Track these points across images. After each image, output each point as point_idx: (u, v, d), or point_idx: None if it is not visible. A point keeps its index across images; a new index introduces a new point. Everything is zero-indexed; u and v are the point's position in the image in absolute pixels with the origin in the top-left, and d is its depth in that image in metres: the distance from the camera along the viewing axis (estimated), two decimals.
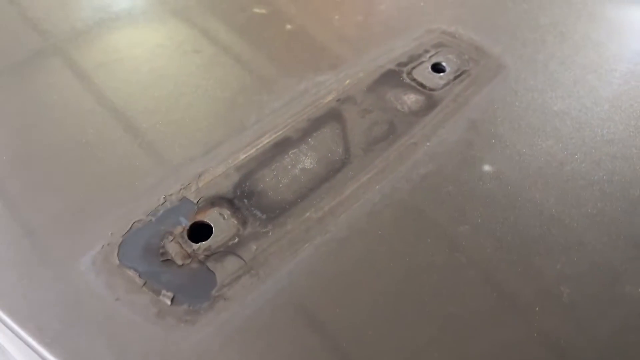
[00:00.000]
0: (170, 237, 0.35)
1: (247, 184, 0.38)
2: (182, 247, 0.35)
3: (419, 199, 0.37)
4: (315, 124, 0.42)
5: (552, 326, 0.31)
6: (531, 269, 0.33)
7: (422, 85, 0.45)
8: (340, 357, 0.31)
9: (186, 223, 0.36)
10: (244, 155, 0.40)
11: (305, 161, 0.40)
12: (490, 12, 0.54)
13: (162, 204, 0.37)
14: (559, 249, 0.35)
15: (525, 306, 0.32)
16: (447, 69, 0.46)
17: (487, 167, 0.39)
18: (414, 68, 0.46)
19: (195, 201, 0.37)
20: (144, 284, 0.33)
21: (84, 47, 0.50)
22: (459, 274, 0.34)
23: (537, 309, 0.32)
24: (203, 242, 0.35)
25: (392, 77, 0.46)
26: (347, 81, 0.45)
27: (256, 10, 0.53)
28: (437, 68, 0.47)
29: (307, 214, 0.37)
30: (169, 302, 0.33)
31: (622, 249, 0.35)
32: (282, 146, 0.41)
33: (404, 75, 0.46)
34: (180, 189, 0.38)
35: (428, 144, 0.41)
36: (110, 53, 0.48)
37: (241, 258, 0.35)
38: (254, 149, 0.40)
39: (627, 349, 0.31)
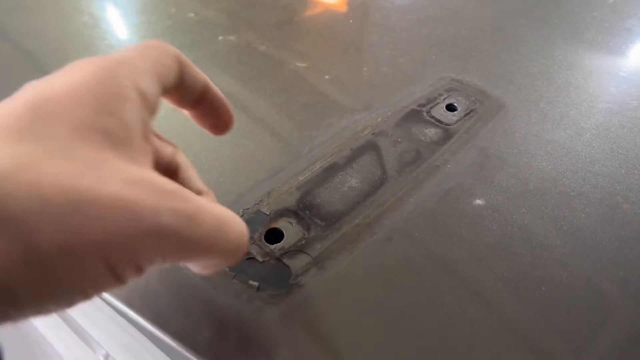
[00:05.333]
0: (251, 241, 0.44)
1: (307, 199, 0.47)
2: (261, 248, 0.43)
3: (444, 208, 0.46)
4: (356, 152, 0.51)
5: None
6: (534, 258, 0.42)
7: (439, 121, 0.54)
8: (387, 322, 0.39)
9: (262, 229, 0.45)
10: (302, 178, 0.49)
11: (351, 181, 0.48)
12: (489, 63, 0.64)
13: (242, 215, 0.45)
14: (553, 243, 0.43)
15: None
16: (458, 108, 0.56)
17: (496, 183, 0.48)
18: (431, 108, 0.56)
19: (267, 213, 0.46)
20: (234, 276, 0.41)
21: None
22: (479, 263, 0.42)
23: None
24: (277, 244, 0.43)
25: (414, 115, 0.55)
26: (379, 119, 0.55)
27: (298, 64, 0.64)
28: (450, 107, 0.56)
29: (357, 220, 0.45)
30: (255, 290, 0.41)
31: (602, 246, 0.44)
32: (331, 170, 0.49)
33: (424, 113, 0.55)
34: (255, 204, 0.46)
35: (448, 166, 0.50)
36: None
37: (309, 255, 0.43)
38: (310, 173, 0.49)
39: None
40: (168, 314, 0.39)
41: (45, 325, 0.67)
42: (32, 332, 0.71)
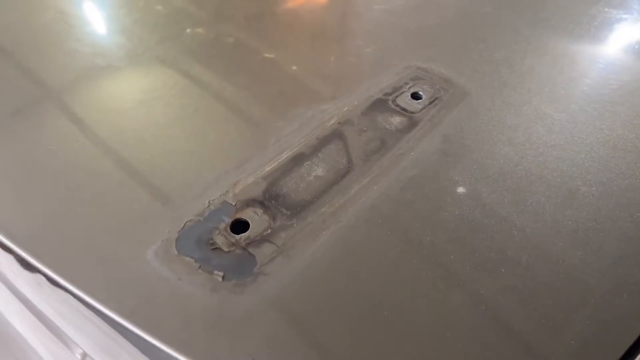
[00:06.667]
0: (217, 231, 0.44)
1: (273, 189, 0.47)
2: (227, 238, 0.43)
3: (408, 195, 0.46)
4: (322, 142, 0.51)
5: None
6: (495, 242, 0.43)
7: (404, 109, 0.55)
8: (352, 307, 0.39)
9: (228, 220, 0.45)
10: (269, 168, 0.49)
11: (317, 170, 0.49)
12: (455, 51, 0.65)
13: (208, 207, 0.46)
14: (513, 226, 0.44)
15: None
16: (423, 97, 0.57)
17: (458, 170, 0.49)
18: (397, 96, 0.56)
19: (233, 203, 0.46)
20: (199, 267, 0.41)
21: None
22: (441, 247, 0.43)
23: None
24: (243, 234, 0.43)
25: (380, 104, 0.56)
26: (345, 108, 0.55)
27: (266, 55, 0.64)
28: (415, 96, 0.57)
29: (323, 209, 0.45)
30: (220, 279, 0.41)
31: (561, 228, 0.44)
32: (298, 160, 0.50)
33: (390, 102, 0.56)
34: (221, 195, 0.46)
35: (412, 154, 0.50)
36: (149, 92, 0.58)
37: (274, 244, 0.43)
38: (276, 163, 0.49)
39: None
40: (133, 305, 0.39)
41: (24, 327, 0.66)
42: (12, 333, 0.71)
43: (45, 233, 0.44)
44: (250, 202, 0.46)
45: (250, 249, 0.42)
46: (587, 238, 0.43)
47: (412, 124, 0.53)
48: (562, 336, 0.37)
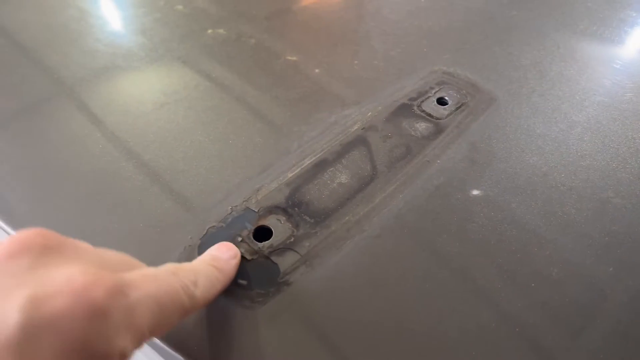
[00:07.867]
0: (239, 239, 0.43)
1: (296, 196, 0.47)
2: (249, 246, 0.43)
3: (434, 204, 0.46)
4: (346, 148, 0.51)
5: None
6: (524, 254, 0.42)
7: (430, 115, 0.54)
8: (376, 320, 0.38)
9: (251, 227, 0.44)
10: (291, 174, 0.48)
11: (340, 177, 0.48)
12: (481, 55, 0.64)
13: (230, 213, 0.45)
14: (543, 239, 0.43)
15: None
16: (449, 102, 0.56)
17: (486, 178, 0.48)
18: (422, 102, 0.56)
19: (256, 210, 0.46)
20: None
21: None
22: (468, 259, 0.42)
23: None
24: (266, 242, 0.43)
25: (405, 110, 0.55)
26: (369, 113, 0.54)
27: (289, 58, 0.63)
28: (441, 101, 0.56)
29: (347, 217, 0.45)
30: (244, 288, 0.40)
31: (592, 241, 0.43)
32: (321, 166, 0.49)
33: (415, 107, 0.55)
34: (243, 202, 0.46)
35: (438, 161, 0.49)
36: (170, 94, 0.58)
37: (298, 253, 0.43)
38: (299, 169, 0.49)
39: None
40: None
41: None
42: None
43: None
44: (273, 209, 0.45)
45: (274, 258, 0.42)
46: (619, 253, 0.42)
47: (438, 130, 0.52)
48: (594, 356, 0.36)
